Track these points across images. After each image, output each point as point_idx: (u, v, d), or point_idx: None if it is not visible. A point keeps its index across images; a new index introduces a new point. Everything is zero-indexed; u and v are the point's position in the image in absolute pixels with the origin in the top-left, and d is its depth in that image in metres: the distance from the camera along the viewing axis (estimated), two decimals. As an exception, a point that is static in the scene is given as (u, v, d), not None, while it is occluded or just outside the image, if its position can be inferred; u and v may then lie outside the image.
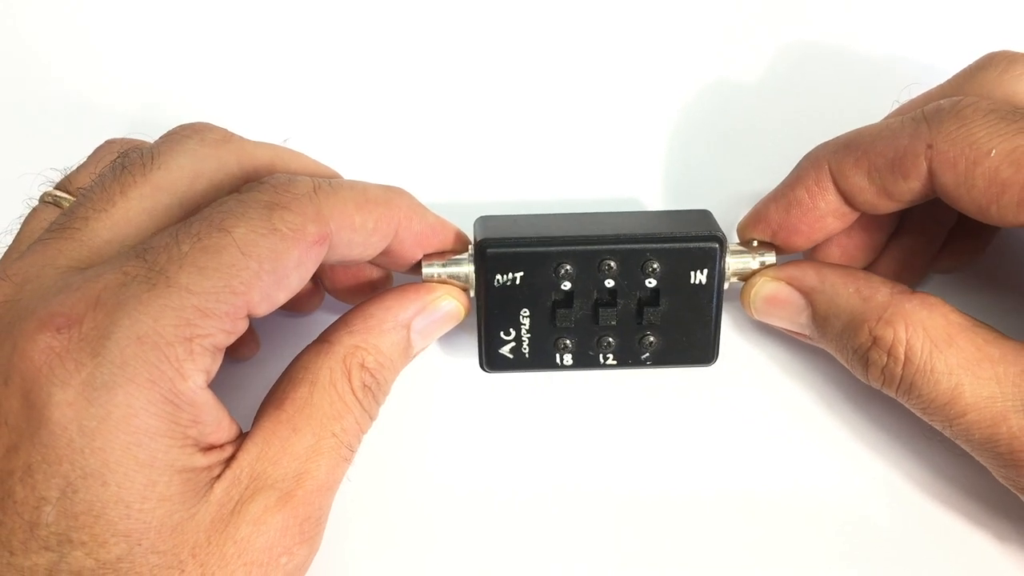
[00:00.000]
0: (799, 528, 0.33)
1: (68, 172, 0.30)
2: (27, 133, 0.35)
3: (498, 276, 0.30)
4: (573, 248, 0.30)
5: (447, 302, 0.31)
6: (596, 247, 0.30)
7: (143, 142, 0.31)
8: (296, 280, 0.26)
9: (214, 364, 0.25)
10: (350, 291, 0.33)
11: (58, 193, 0.29)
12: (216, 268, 0.24)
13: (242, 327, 0.25)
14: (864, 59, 0.35)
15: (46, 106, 0.35)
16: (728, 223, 0.31)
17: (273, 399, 0.28)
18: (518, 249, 0.30)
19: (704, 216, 0.32)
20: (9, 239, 0.29)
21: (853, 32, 0.35)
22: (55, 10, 0.36)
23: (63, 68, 0.35)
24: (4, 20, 0.36)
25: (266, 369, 0.34)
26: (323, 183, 0.27)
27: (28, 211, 0.29)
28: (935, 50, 0.35)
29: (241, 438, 0.26)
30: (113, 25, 0.35)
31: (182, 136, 0.29)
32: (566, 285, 0.30)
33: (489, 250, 0.30)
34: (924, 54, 0.35)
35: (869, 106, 0.33)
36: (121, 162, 0.28)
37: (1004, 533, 0.32)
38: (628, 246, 0.30)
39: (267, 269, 0.25)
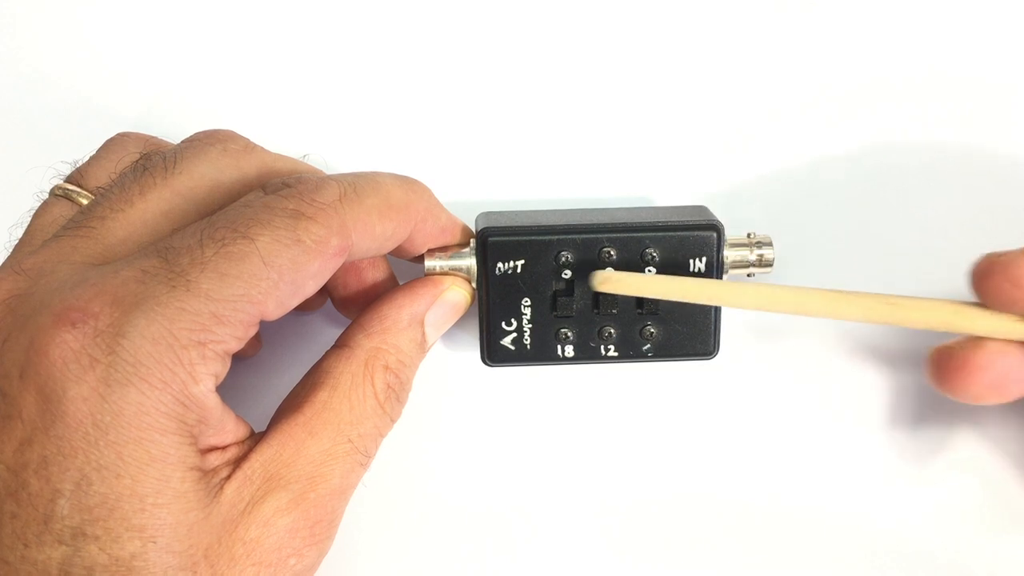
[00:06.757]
0: (805, 526, 0.33)
1: (78, 164, 0.30)
2: (35, 128, 0.35)
3: (499, 264, 0.30)
4: (573, 236, 0.30)
5: (455, 292, 0.31)
6: (596, 235, 0.30)
7: (155, 137, 0.31)
8: (311, 288, 0.26)
9: (224, 368, 0.25)
10: (356, 301, 0.33)
11: (68, 186, 0.29)
12: (237, 276, 0.24)
13: (253, 332, 0.25)
14: (869, 58, 0.35)
15: (54, 101, 0.35)
16: (728, 221, 0.31)
17: (292, 402, 0.28)
18: (519, 237, 0.30)
19: (702, 209, 0.32)
20: (19, 232, 0.29)
21: (857, 31, 0.35)
22: (67, 6, 0.36)
23: (74, 64, 0.35)
24: (12, 17, 0.36)
25: (266, 367, 0.34)
26: (349, 189, 0.27)
27: (38, 204, 0.29)
28: (938, 49, 0.35)
29: (253, 439, 0.27)
30: (125, 21, 0.35)
31: (205, 144, 0.29)
32: (567, 273, 0.31)
33: (491, 238, 0.30)
34: (927, 52, 0.35)
35: (873, 105, 0.33)
36: (143, 164, 0.28)
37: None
38: (627, 234, 0.30)
39: (287, 280, 0.25)
